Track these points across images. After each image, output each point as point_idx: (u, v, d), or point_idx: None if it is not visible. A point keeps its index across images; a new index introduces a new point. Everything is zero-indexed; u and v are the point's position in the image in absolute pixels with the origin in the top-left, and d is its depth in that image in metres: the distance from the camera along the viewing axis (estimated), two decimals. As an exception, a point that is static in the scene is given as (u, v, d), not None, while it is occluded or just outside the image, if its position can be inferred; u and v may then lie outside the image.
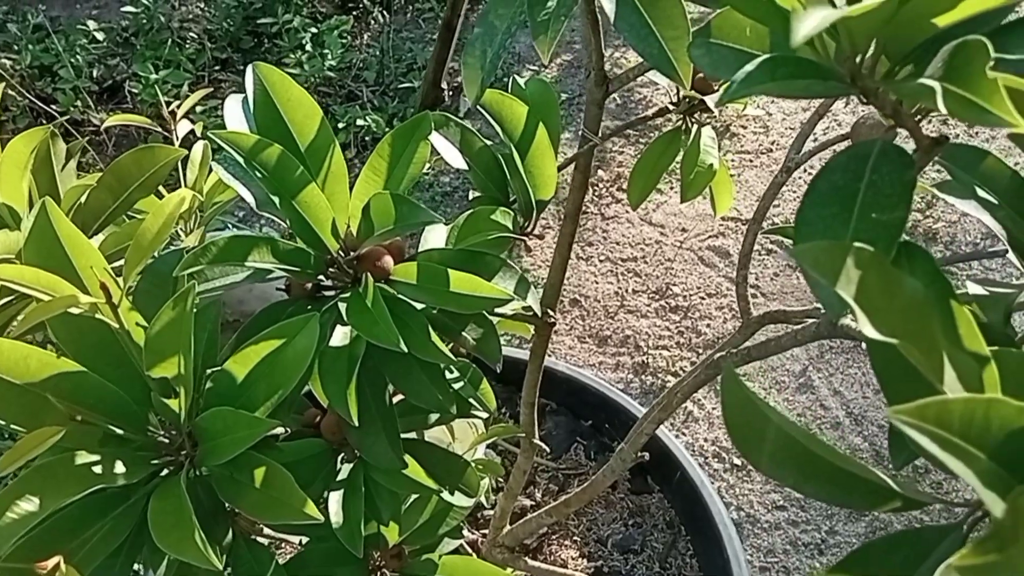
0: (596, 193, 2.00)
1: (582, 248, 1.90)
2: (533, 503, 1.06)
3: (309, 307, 0.55)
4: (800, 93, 0.33)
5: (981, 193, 0.40)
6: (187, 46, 2.13)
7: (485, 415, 0.73)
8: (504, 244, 0.62)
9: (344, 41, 2.12)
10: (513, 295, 0.56)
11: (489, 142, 0.63)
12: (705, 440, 1.53)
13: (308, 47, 2.09)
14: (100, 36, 2.13)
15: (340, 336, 0.53)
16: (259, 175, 0.51)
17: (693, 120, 0.69)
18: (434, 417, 0.71)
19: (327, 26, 2.14)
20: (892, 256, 0.31)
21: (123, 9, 2.19)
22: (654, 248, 1.88)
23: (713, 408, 1.58)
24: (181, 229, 0.85)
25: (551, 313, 0.77)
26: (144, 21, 2.15)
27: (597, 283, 1.83)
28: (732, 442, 0.30)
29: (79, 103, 1.99)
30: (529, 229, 0.65)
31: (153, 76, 2.00)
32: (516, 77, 0.65)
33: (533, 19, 0.48)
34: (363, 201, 0.54)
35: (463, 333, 0.58)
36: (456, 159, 0.62)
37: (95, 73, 2.07)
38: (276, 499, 0.48)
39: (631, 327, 1.74)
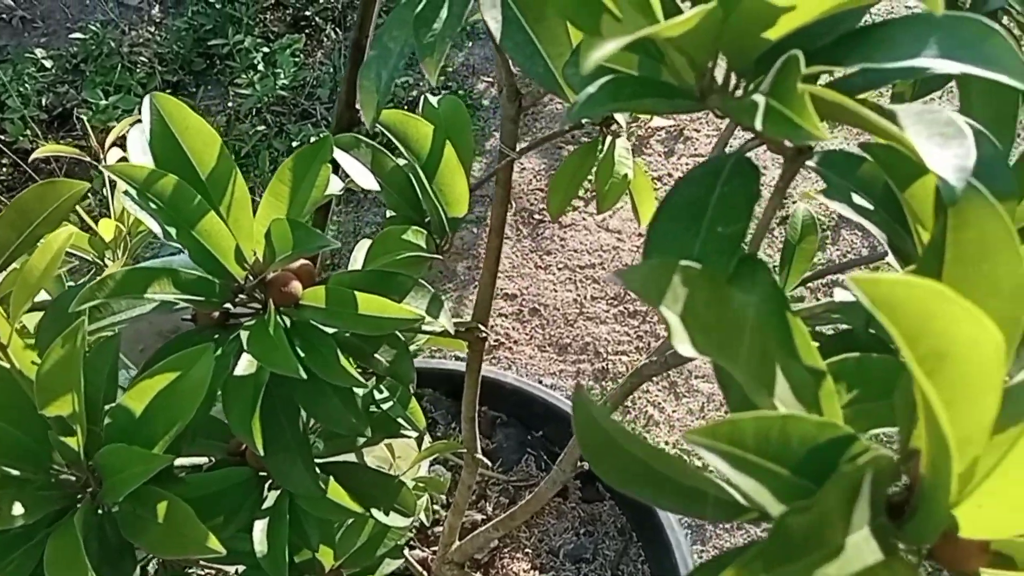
0: (553, 202, 2.00)
1: (540, 257, 1.90)
2: (484, 517, 1.06)
3: (216, 336, 0.55)
4: (648, 111, 0.33)
5: (857, 199, 0.41)
6: (137, 70, 2.11)
7: (415, 434, 0.73)
8: (420, 264, 0.62)
9: (297, 60, 2.11)
10: (423, 315, 0.56)
11: (404, 161, 0.63)
12: (666, 444, 1.54)
13: (260, 67, 2.08)
14: (48, 64, 2.11)
15: (245, 364, 0.53)
16: (154, 206, 0.51)
17: (608, 132, 0.70)
18: (362, 439, 0.71)
19: (279, 45, 2.13)
20: (732, 269, 0.31)
21: (71, 36, 2.17)
22: (612, 254, 1.88)
23: (673, 411, 1.59)
24: (109, 258, 0.84)
25: (482, 328, 0.77)
26: (93, 47, 2.13)
27: (556, 291, 1.84)
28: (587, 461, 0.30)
29: (28, 132, 1.97)
30: (445, 247, 0.65)
31: (103, 102, 1.98)
32: (428, 96, 0.65)
33: (419, 42, 0.48)
34: (266, 227, 0.54)
35: (376, 355, 0.58)
36: (368, 180, 0.62)
37: (44, 101, 2.05)
38: (178, 533, 0.47)
39: (591, 334, 1.74)
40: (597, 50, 0.25)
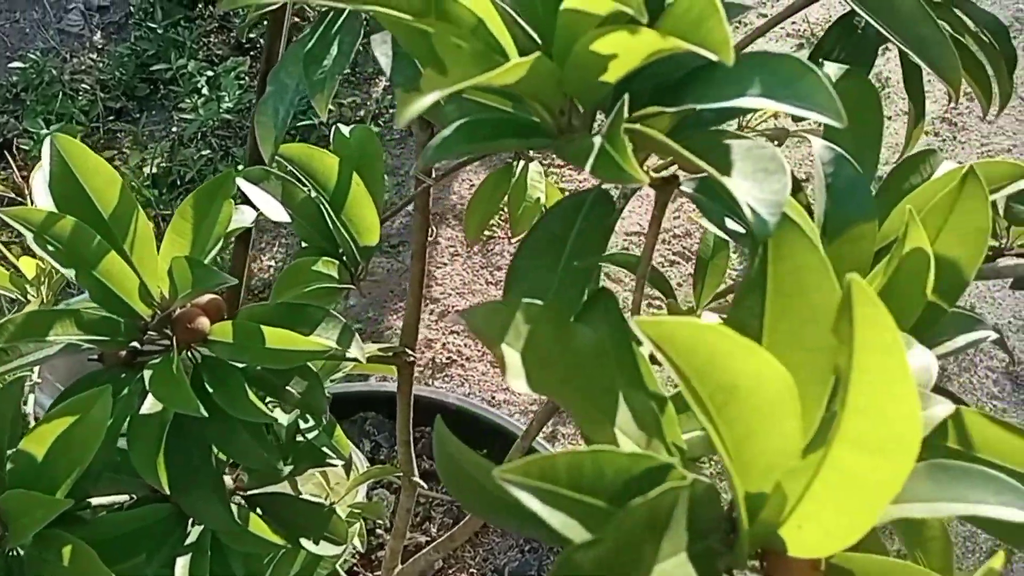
0: (502, 218, 2.02)
1: (491, 273, 1.91)
2: (429, 539, 1.06)
3: (123, 375, 0.55)
4: (506, 149, 0.34)
5: (730, 223, 0.42)
6: (79, 98, 2.09)
7: (340, 463, 0.73)
8: (333, 294, 0.63)
9: (242, 82, 2.11)
10: (332, 346, 0.56)
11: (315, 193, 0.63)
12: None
13: (204, 91, 2.07)
14: (-13, 93, 2.08)
15: (151, 403, 0.53)
16: (52, 249, 0.51)
17: (522, 157, 0.71)
18: (287, 469, 0.71)
19: (223, 68, 2.12)
20: (583, 302, 0.32)
21: (11, 65, 2.15)
22: (562, 268, 1.90)
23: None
24: (32, 295, 0.83)
25: (410, 352, 0.77)
26: (33, 76, 2.11)
27: (508, 307, 1.85)
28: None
29: (-33, 163, 1.94)
30: (361, 276, 0.65)
31: (44, 131, 1.96)
32: (340, 126, 0.66)
33: (308, 79, 0.49)
34: (169, 264, 0.54)
35: (287, 387, 0.59)
36: (278, 213, 0.62)
37: (-17, 132, 2.02)
38: (83, 575, 0.47)
39: (542, 348, 1.75)
40: (414, 104, 0.26)
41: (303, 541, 0.70)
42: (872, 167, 0.45)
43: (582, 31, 0.29)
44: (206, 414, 0.49)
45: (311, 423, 0.73)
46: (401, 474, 0.89)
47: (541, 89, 0.32)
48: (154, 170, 1.97)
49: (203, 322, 0.56)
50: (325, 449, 0.70)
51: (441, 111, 0.43)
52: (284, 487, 0.76)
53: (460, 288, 1.88)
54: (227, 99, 2.03)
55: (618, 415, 0.29)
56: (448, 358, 1.75)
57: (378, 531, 1.06)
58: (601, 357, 0.29)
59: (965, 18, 0.67)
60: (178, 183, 1.94)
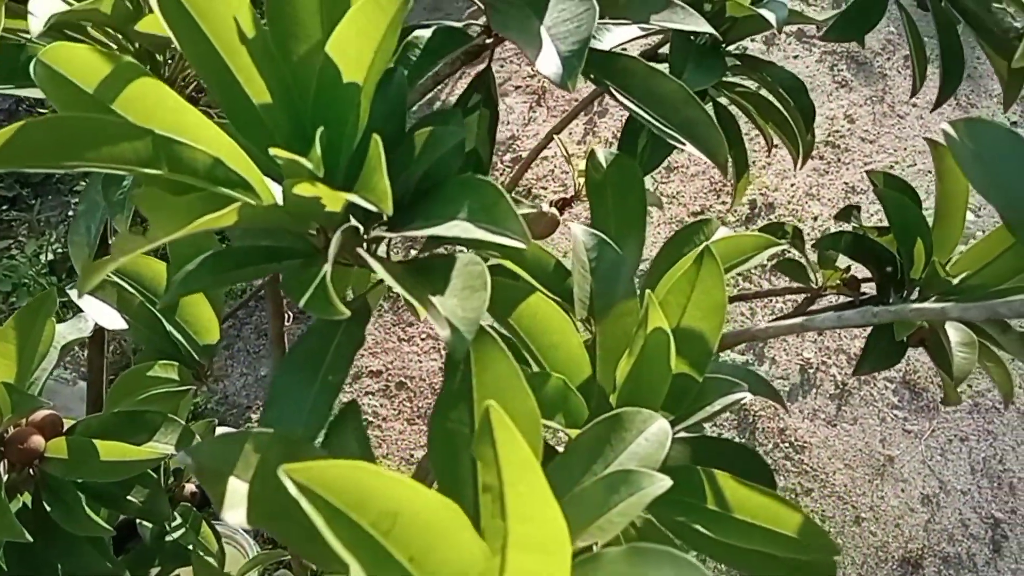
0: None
1: (403, 329, 1.92)
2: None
3: (-45, 503, 0.55)
4: (255, 277, 0.36)
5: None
6: (-29, 189, 2.05)
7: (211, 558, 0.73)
8: (177, 396, 0.63)
9: (138, 161, 2.09)
10: (170, 453, 0.57)
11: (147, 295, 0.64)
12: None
13: (100, 173, 2.05)
14: None
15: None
16: None
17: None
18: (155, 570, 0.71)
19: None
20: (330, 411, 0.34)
21: None
22: (472, 319, 1.92)
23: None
24: None
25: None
26: (-81, 170, 2.06)
27: (421, 362, 1.86)
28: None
29: None
30: (207, 373, 0.66)
31: (-68, 227, 1.91)
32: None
33: (108, 200, 0.50)
34: (-5, 388, 0.54)
35: (128, 497, 0.59)
36: (114, 321, 0.63)
37: None
38: None
39: (457, 401, 1.76)
40: (91, 280, 0.27)
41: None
42: (636, 245, 0.48)
43: (289, 177, 0.31)
44: (30, 539, 0.49)
45: (178, 520, 0.73)
46: (288, 556, 0.89)
47: (273, 222, 0.34)
48: (51, 256, 1.94)
49: (37, 441, 0.56)
50: (192, 547, 0.70)
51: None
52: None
53: (372, 347, 1.88)
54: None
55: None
56: (364, 420, 1.75)
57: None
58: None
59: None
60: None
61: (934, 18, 0.63)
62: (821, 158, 2.32)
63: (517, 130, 2.36)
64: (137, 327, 0.63)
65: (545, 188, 2.19)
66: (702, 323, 0.41)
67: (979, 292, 0.64)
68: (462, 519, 0.26)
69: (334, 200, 0.29)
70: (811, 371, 1.85)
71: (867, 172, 0.62)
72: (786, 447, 1.75)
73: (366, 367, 1.84)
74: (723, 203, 2.17)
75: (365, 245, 0.37)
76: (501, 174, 2.18)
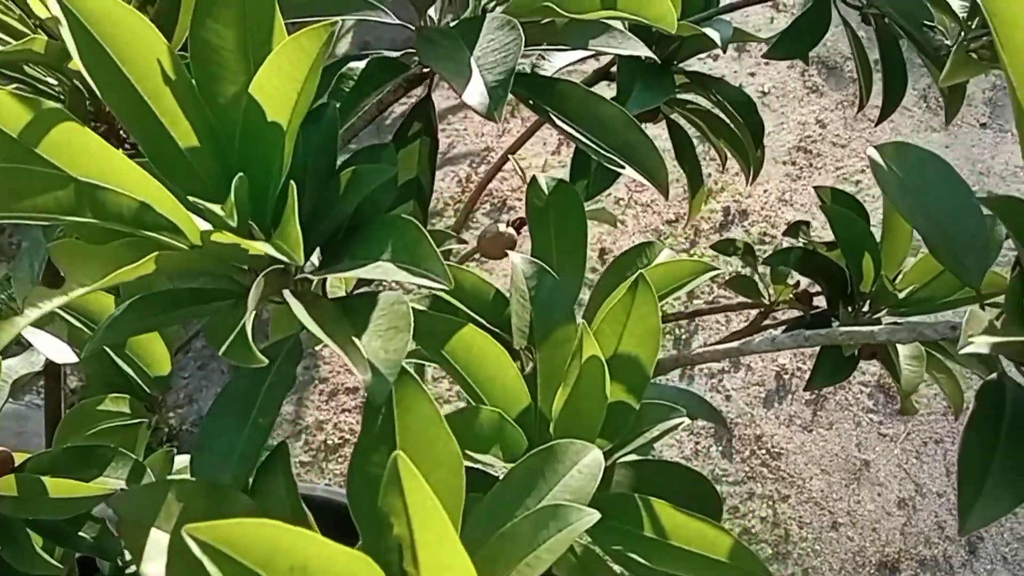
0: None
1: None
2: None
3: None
4: (185, 320, 0.36)
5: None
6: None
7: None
8: (130, 430, 0.63)
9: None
10: (120, 487, 0.57)
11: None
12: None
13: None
14: None
15: (-74, 574, 0.52)
16: None
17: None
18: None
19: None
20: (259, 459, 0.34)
21: None
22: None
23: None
24: None
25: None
26: None
27: (398, 378, 1.85)
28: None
29: None
30: (161, 403, 0.66)
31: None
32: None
33: (48, 239, 0.50)
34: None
35: (80, 534, 0.58)
36: (65, 355, 0.62)
37: None
38: None
39: (434, 416, 1.76)
40: (7, 333, 0.27)
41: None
42: (577, 271, 0.48)
43: (208, 223, 0.31)
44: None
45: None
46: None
47: (198, 266, 0.34)
48: (21, 281, 1.91)
49: (-16, 479, 0.55)
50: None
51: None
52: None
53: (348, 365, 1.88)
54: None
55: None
56: (340, 438, 1.74)
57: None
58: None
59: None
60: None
61: (876, 34, 0.64)
62: (794, 164, 2.34)
63: (492, 142, 2.37)
64: (87, 361, 0.63)
65: (520, 200, 2.19)
66: (638, 350, 0.42)
67: (927, 305, 0.65)
68: (373, 570, 0.26)
69: (250, 248, 0.29)
70: (787, 377, 1.86)
71: (815, 188, 0.63)
72: (763, 454, 1.75)
73: (342, 384, 1.83)
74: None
75: (297, 284, 0.37)
76: (475, 185, 2.19)
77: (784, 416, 1.78)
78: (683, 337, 1.88)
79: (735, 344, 0.43)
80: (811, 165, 2.35)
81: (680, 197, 2.25)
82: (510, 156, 0.75)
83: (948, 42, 0.51)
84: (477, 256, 0.81)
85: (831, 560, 1.61)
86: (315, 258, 0.39)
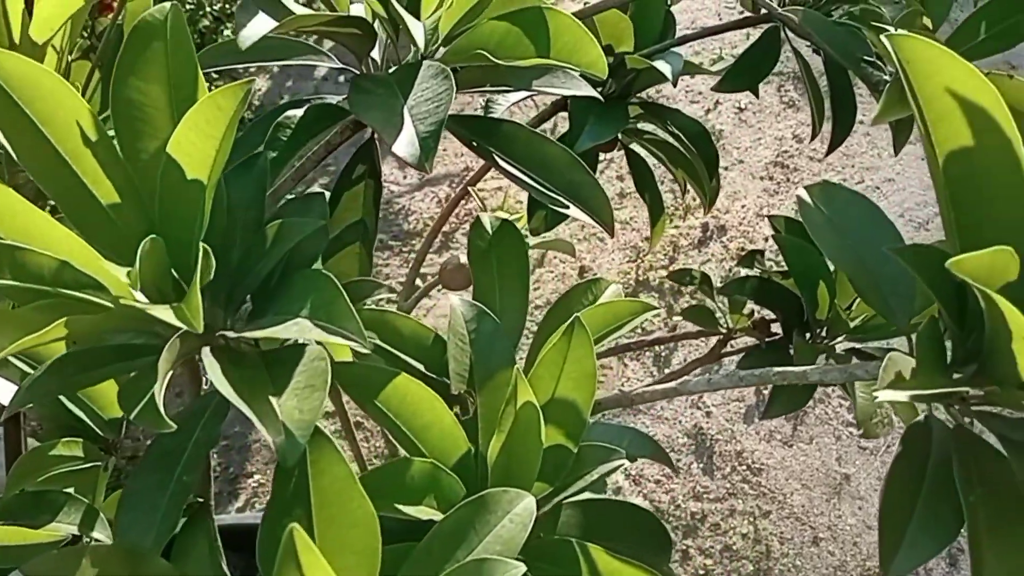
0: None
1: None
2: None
3: None
4: (106, 379, 0.36)
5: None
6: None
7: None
8: (84, 473, 0.62)
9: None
10: (74, 533, 0.56)
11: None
12: None
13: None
14: None
15: None
16: None
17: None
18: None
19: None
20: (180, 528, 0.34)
21: None
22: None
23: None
24: None
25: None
26: None
27: (378, 401, 1.85)
28: None
29: None
30: (117, 445, 0.65)
31: None
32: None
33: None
34: None
35: (30, 581, 0.58)
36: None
37: None
38: None
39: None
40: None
41: None
42: (519, 311, 0.48)
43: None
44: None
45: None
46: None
47: (114, 327, 0.34)
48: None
49: (-68, 529, 0.55)
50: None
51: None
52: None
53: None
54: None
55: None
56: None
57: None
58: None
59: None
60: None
61: (824, 66, 0.65)
62: (771, 179, 2.36)
63: (471, 162, 2.37)
64: (40, 405, 0.62)
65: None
66: (575, 393, 0.42)
67: (882, 331, 0.65)
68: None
69: (151, 313, 0.29)
70: (766, 392, 1.86)
71: (768, 217, 0.63)
72: (743, 470, 1.75)
73: (322, 408, 1.82)
74: (675, 227, 2.19)
75: (219, 339, 0.37)
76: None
77: (764, 431, 1.79)
78: (663, 355, 1.88)
79: (672, 384, 0.43)
80: (788, 180, 2.36)
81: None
82: (470, 188, 0.75)
83: (887, 77, 0.52)
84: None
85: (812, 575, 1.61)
86: (245, 308, 0.39)
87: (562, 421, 0.42)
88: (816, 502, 1.70)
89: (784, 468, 1.74)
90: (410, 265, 2.14)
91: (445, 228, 2.21)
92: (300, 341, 0.36)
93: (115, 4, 0.57)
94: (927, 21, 0.49)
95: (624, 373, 1.92)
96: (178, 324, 0.29)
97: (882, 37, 0.33)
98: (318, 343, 0.34)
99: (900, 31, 0.33)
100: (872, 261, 0.38)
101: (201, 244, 0.30)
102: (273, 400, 0.31)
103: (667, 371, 1.89)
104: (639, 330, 1.99)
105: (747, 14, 0.61)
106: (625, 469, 1.75)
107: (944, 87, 0.33)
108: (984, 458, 0.34)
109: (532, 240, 0.75)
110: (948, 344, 0.36)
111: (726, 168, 2.40)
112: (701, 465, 1.75)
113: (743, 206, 2.27)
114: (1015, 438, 0.34)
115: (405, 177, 2.38)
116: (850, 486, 1.72)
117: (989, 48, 0.49)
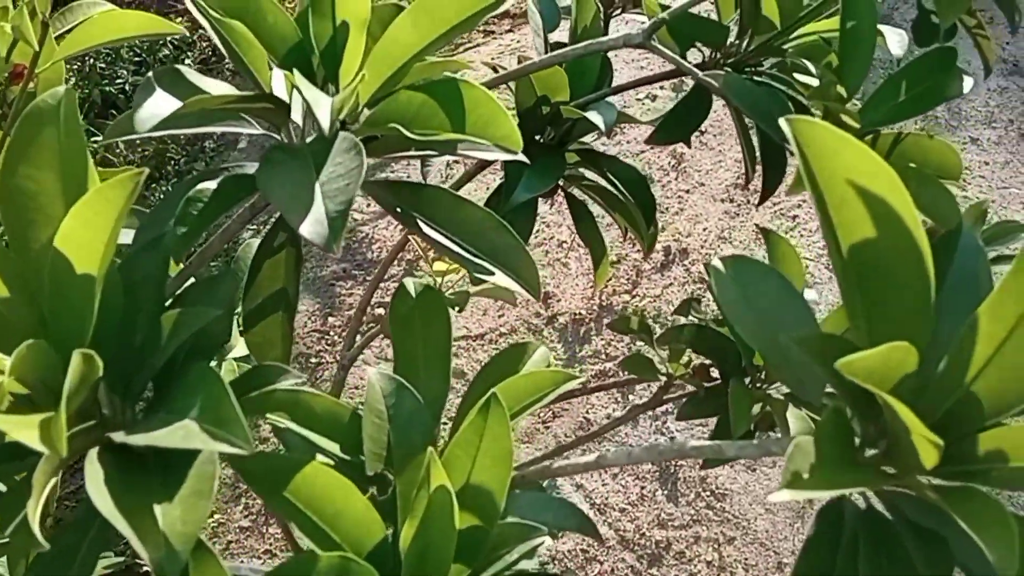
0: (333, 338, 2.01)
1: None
2: None
3: None
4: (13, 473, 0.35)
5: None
6: None
7: None
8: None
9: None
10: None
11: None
12: None
13: None
14: None
15: None
16: None
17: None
18: None
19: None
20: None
21: None
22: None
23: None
24: None
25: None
26: None
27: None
28: None
29: None
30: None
31: None
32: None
33: None
34: None
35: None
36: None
37: None
38: None
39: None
40: None
41: None
42: (442, 377, 0.48)
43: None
44: None
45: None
46: None
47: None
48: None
49: None
50: None
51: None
52: None
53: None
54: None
55: None
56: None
57: None
58: None
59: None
60: None
61: (755, 120, 0.65)
62: (731, 201, 2.38)
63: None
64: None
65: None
66: (491, 471, 0.41)
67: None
68: None
69: (15, 434, 0.28)
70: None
71: (704, 264, 0.63)
72: (708, 496, 1.76)
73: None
74: (638, 251, 2.20)
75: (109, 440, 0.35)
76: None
77: (728, 456, 1.78)
78: (627, 393, 1.88)
79: (592, 458, 0.43)
80: (748, 202, 2.39)
81: (621, 239, 2.27)
82: (411, 236, 0.74)
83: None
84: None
85: (777, 603, 1.61)
86: (147, 395, 0.38)
87: (479, 502, 0.41)
88: (780, 527, 1.70)
89: (748, 493, 1.74)
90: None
91: (409, 256, 2.20)
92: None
93: (25, 72, 0.56)
94: (841, 90, 0.50)
95: (589, 400, 1.92)
96: (40, 449, 0.28)
97: (780, 121, 0.33)
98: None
99: (798, 116, 0.33)
100: (784, 341, 0.38)
101: (77, 352, 0.29)
102: (157, 510, 0.30)
103: (631, 398, 1.90)
104: (603, 355, 1.99)
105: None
106: (589, 499, 1.74)
107: (843, 175, 0.32)
108: (893, 543, 0.34)
109: (472, 288, 0.74)
110: (857, 423, 0.36)
111: (687, 191, 2.42)
112: (665, 492, 1.75)
113: (705, 229, 2.28)
114: (921, 523, 0.34)
115: (368, 205, 2.36)
116: (813, 510, 1.72)
117: (907, 110, 0.50)
